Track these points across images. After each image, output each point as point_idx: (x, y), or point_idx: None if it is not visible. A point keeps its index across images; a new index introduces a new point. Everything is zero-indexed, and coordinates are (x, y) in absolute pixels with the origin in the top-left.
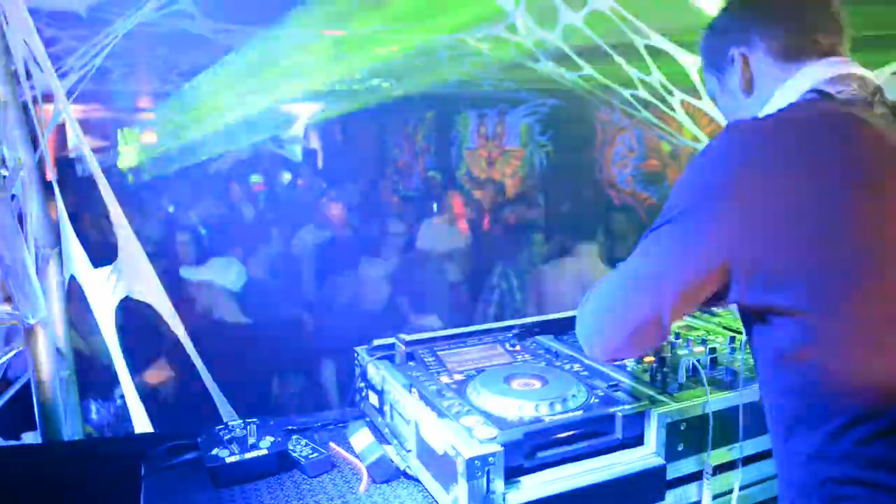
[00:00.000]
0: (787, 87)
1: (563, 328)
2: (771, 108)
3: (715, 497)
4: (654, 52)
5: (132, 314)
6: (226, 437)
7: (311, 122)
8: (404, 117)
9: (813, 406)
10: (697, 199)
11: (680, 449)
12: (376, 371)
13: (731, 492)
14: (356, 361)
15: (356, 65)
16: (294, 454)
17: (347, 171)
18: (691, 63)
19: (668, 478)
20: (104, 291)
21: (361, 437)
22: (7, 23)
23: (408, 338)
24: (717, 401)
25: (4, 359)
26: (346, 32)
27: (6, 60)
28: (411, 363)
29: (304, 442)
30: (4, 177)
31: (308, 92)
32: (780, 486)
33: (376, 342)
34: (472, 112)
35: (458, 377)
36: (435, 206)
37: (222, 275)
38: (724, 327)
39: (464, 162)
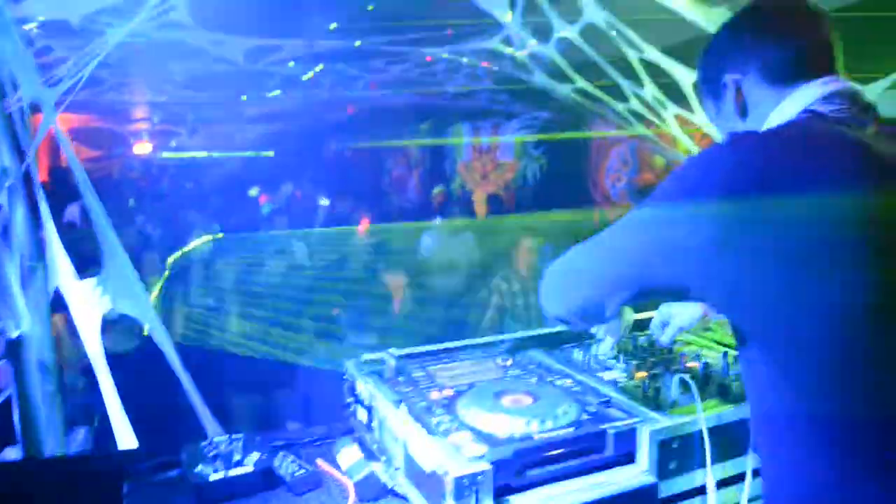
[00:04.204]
0: (781, 110)
1: (555, 342)
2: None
3: None
4: (648, 65)
5: (117, 327)
6: (210, 454)
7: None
8: (399, 130)
9: (800, 407)
10: (682, 201)
11: (672, 467)
12: (365, 386)
13: None
14: (345, 376)
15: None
16: (280, 471)
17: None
18: (685, 77)
19: (659, 496)
20: (89, 304)
21: (349, 454)
22: None
23: (397, 352)
24: (710, 417)
25: None
26: (342, 43)
27: None
28: (401, 378)
29: (290, 458)
30: None
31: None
32: (766, 498)
33: (365, 357)
34: (467, 125)
35: (447, 392)
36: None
37: None
38: (718, 342)
39: (458, 175)
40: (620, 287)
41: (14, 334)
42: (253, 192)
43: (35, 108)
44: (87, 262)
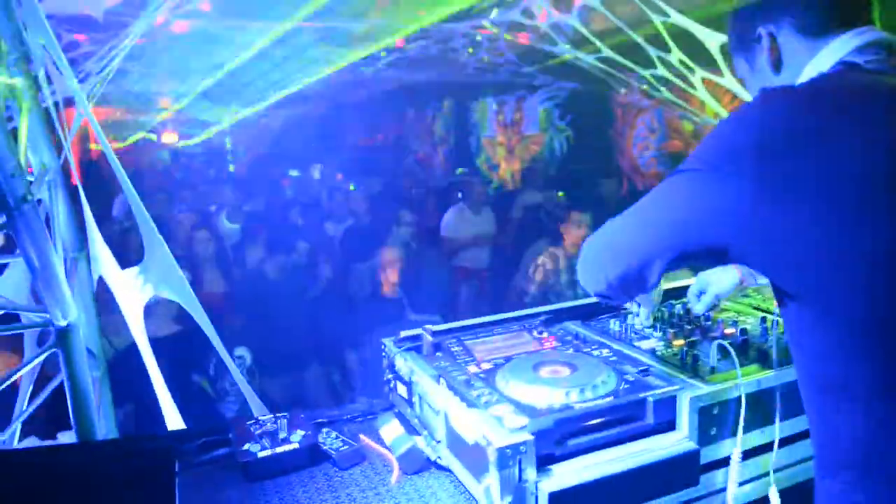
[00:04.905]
0: (816, 62)
1: (591, 313)
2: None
3: (751, 480)
4: (674, 29)
5: (160, 313)
6: (257, 432)
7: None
8: (421, 106)
9: (850, 367)
10: (719, 161)
11: (713, 433)
12: (404, 362)
13: (766, 475)
14: (383, 353)
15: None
16: (325, 447)
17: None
18: (712, 40)
19: (701, 462)
20: (132, 292)
21: (391, 429)
22: (26, 29)
23: (434, 328)
24: (749, 383)
25: (37, 361)
26: (362, 23)
27: (27, 67)
28: (438, 354)
29: (334, 434)
30: (31, 182)
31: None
32: (818, 461)
33: (403, 333)
34: (490, 99)
35: (485, 366)
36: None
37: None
38: (756, 308)
39: (483, 150)
40: (660, 252)
41: (62, 323)
42: (294, 172)
43: (68, 102)
44: (128, 251)
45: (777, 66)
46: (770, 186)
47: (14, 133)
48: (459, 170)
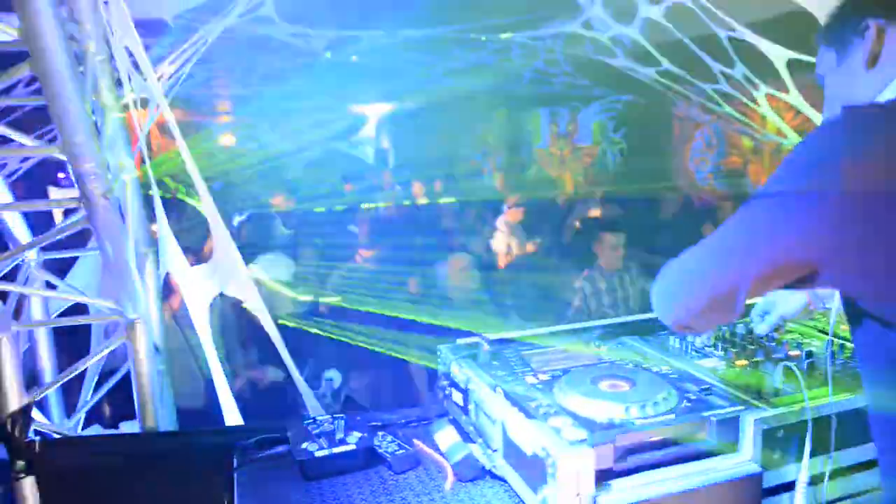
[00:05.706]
0: None
1: (649, 329)
2: (891, 90)
3: None
4: (738, 44)
5: (224, 311)
6: (314, 432)
7: (383, 123)
8: (475, 116)
9: None
10: (801, 182)
11: (777, 456)
12: (460, 370)
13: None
14: (439, 360)
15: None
16: (380, 450)
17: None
18: (778, 55)
19: (764, 486)
20: (198, 289)
21: (446, 435)
22: (112, 32)
23: (492, 337)
24: (816, 407)
25: (106, 351)
26: (420, 33)
27: (111, 67)
28: (495, 362)
29: (389, 438)
30: (110, 179)
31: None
32: (887, 497)
33: (460, 341)
34: (544, 110)
35: (543, 377)
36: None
37: (271, 271)
38: (821, 331)
39: (535, 161)
40: (747, 278)
41: (133, 316)
42: (348, 187)
43: (143, 103)
44: (196, 248)
45: (873, 62)
46: (855, 207)
47: (96, 130)
48: (496, 175)
